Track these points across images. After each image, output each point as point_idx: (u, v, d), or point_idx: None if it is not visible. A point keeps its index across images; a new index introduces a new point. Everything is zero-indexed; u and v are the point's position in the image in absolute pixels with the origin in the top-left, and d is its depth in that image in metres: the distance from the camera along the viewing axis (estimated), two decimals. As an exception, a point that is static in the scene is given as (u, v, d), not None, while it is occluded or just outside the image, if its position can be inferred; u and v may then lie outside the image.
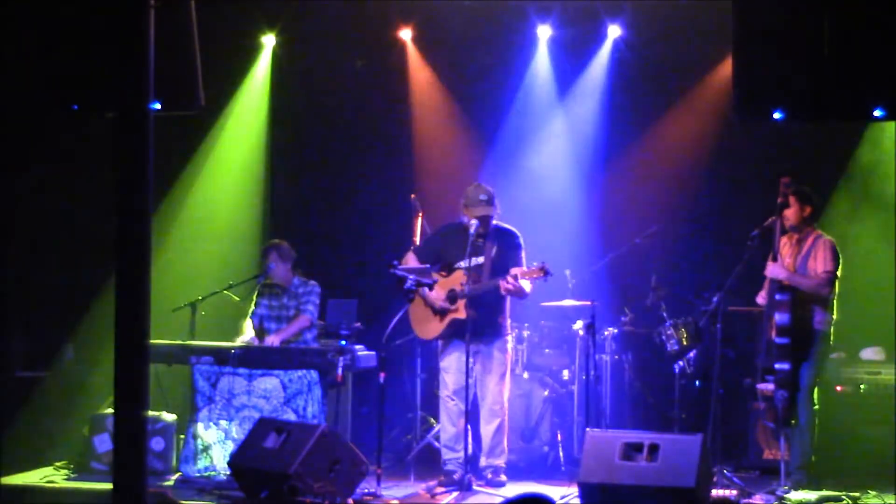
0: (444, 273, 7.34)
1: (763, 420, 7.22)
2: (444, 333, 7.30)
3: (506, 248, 7.26)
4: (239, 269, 8.03)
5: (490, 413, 7.29)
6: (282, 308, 7.88)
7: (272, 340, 7.58)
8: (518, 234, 7.37)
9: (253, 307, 7.93)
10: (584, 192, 9.35)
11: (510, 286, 6.99)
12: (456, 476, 7.09)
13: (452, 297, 7.21)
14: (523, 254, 7.28)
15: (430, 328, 7.37)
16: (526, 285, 7.06)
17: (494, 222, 7.29)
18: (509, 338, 7.45)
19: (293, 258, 7.85)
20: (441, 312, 7.27)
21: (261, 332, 7.84)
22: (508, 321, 7.40)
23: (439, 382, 7.42)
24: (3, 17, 5.89)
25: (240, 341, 7.59)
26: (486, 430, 7.29)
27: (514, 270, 7.00)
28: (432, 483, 7.11)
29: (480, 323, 7.15)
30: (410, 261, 7.42)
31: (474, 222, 7.15)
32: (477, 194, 7.22)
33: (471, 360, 7.14)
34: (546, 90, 9.53)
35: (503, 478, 7.25)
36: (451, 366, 7.24)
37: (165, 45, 5.08)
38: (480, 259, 7.23)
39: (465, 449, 6.96)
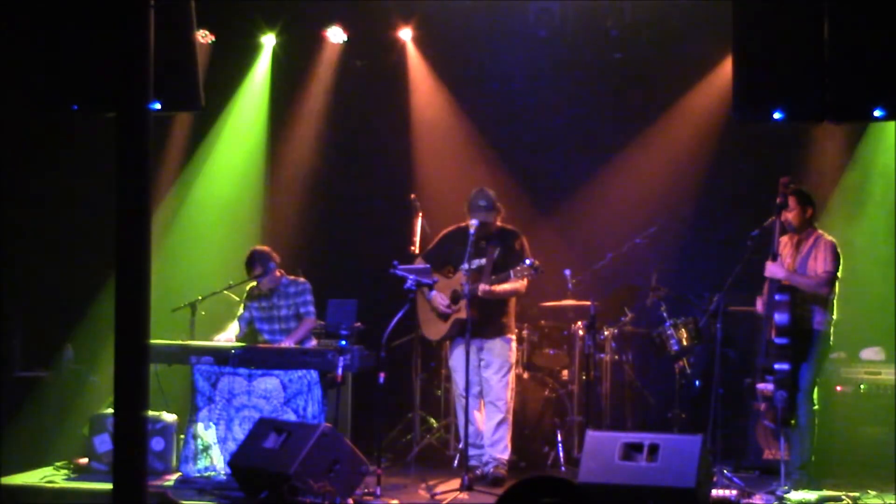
0: (450, 274, 7.51)
1: (763, 420, 7.20)
2: (449, 334, 7.44)
3: (509, 249, 7.35)
4: (239, 269, 8.01)
5: (492, 408, 7.37)
6: (272, 308, 7.90)
7: (287, 344, 7.60)
8: (521, 235, 7.47)
9: (242, 310, 7.95)
10: (585, 192, 9.35)
11: (487, 290, 7.18)
12: (479, 472, 7.24)
13: (455, 297, 7.37)
14: (526, 254, 7.32)
15: (437, 329, 7.53)
16: (518, 284, 7.26)
17: (499, 224, 7.41)
18: (513, 336, 7.50)
19: (275, 260, 7.85)
20: (445, 315, 7.41)
21: (252, 333, 7.85)
22: (513, 320, 7.51)
23: (453, 383, 7.58)
24: (2, 17, 5.89)
25: (216, 339, 7.61)
26: (488, 425, 7.38)
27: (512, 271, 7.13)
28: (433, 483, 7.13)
29: (482, 321, 7.29)
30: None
31: (474, 223, 7.28)
32: (477, 200, 7.37)
33: (474, 356, 7.24)
34: (546, 90, 9.53)
35: (503, 471, 7.28)
36: (458, 365, 7.31)
37: (165, 45, 5.08)
38: (482, 261, 7.33)
39: (465, 442, 7.01)
